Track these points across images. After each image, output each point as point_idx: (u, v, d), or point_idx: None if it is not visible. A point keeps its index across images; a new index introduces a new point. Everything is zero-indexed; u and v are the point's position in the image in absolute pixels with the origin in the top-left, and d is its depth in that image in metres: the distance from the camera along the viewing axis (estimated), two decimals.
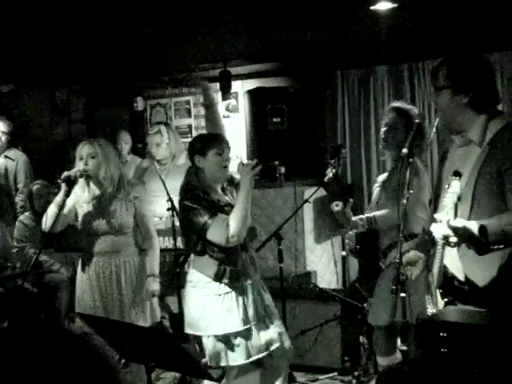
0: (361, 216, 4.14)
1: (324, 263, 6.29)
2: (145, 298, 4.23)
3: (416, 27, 5.38)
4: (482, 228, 2.68)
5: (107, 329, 3.04)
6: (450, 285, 2.89)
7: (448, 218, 2.76)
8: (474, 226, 2.72)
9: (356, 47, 5.95)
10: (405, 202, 3.36)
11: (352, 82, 6.41)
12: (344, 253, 6.01)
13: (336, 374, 4.98)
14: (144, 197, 4.41)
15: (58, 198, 4.03)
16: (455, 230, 2.73)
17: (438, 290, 2.94)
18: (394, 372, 2.77)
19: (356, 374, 4.85)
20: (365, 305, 4.87)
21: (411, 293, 3.68)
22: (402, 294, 3.31)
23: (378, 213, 4.17)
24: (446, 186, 2.81)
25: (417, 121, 3.68)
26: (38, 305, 5.29)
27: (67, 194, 4.01)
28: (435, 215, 2.88)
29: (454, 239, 2.79)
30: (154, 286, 4.27)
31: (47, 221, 4.03)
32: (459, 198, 2.77)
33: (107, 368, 1.12)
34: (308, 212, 6.12)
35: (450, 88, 2.86)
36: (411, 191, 3.44)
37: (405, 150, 3.46)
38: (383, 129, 4.20)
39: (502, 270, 2.75)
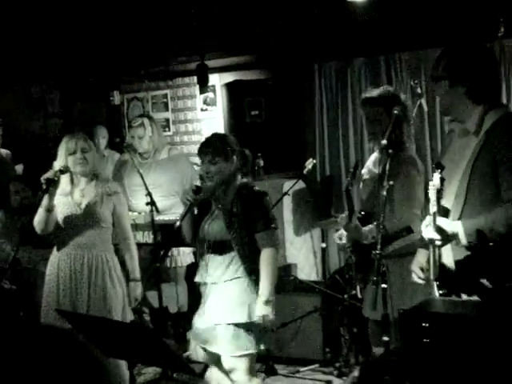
0: (370, 226, 3.82)
1: (304, 255, 6.28)
2: (115, 299, 4.15)
3: (393, 19, 5.37)
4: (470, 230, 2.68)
5: (87, 325, 3.01)
6: (445, 276, 2.89)
7: (430, 219, 2.75)
8: (457, 228, 2.73)
9: (333, 39, 5.93)
10: (384, 193, 3.37)
11: (329, 75, 6.37)
12: (324, 245, 6.06)
13: (317, 365, 4.99)
14: (122, 194, 4.35)
15: (44, 202, 4.03)
16: (440, 230, 2.74)
17: (435, 283, 2.94)
18: (376, 362, 2.82)
19: (337, 365, 4.86)
20: (345, 296, 4.87)
21: (394, 285, 3.65)
22: (384, 286, 3.35)
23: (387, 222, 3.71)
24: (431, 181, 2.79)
25: (395, 112, 3.59)
26: (17, 302, 5.24)
27: (52, 195, 4.01)
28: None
29: (438, 242, 2.79)
30: (137, 290, 4.25)
31: (39, 225, 4.09)
32: (441, 191, 2.74)
33: (92, 362, 1.11)
34: (287, 204, 6.10)
35: (447, 79, 2.86)
36: (391, 182, 3.44)
37: (384, 142, 3.48)
38: (365, 122, 4.01)
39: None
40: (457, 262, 2.83)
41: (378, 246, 3.32)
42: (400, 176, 3.68)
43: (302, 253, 6.27)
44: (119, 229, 4.24)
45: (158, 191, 5.01)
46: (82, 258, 4.11)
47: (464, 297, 2.81)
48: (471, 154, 2.82)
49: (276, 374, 4.90)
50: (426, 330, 2.37)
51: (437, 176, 2.73)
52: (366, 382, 2.74)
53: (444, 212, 2.87)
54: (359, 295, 4.10)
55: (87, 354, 1.11)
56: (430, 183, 2.77)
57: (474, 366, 2.29)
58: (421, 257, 3.18)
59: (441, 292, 2.88)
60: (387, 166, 3.42)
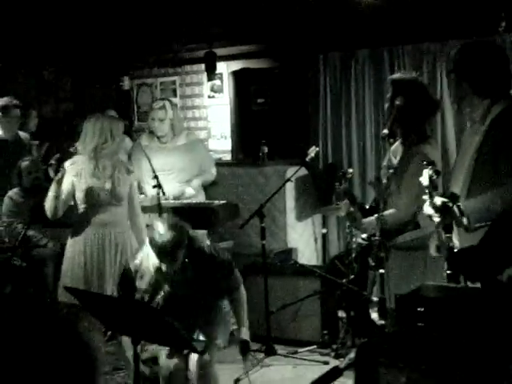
0: (370, 218, 3.89)
1: (304, 240, 6.33)
2: None
3: (396, 12, 5.46)
4: (460, 206, 2.79)
5: (95, 302, 3.08)
6: (453, 259, 2.93)
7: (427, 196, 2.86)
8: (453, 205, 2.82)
9: (338, 31, 6.01)
10: (384, 181, 3.48)
11: (333, 65, 6.41)
12: (324, 230, 6.11)
13: (315, 346, 5.07)
14: (135, 174, 4.51)
15: (53, 186, 4.14)
16: (436, 207, 2.84)
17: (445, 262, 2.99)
18: (372, 345, 2.82)
19: (334, 346, 4.96)
20: (344, 280, 4.95)
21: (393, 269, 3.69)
22: (381, 271, 3.41)
23: (386, 212, 3.82)
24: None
25: (397, 102, 3.61)
26: (27, 278, 5.36)
27: (59, 181, 4.11)
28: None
29: (436, 218, 2.87)
30: None
31: (50, 210, 4.20)
32: (435, 188, 2.86)
33: (90, 348, 1.18)
34: (290, 190, 6.14)
35: (456, 74, 3.04)
36: (391, 171, 3.52)
37: (385, 131, 3.46)
38: (386, 104, 3.95)
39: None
40: (461, 250, 2.89)
41: (378, 233, 3.38)
42: (410, 167, 3.69)
43: (303, 238, 6.32)
44: (131, 206, 4.38)
45: (175, 176, 5.06)
46: (109, 235, 4.26)
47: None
48: (477, 141, 2.96)
49: (275, 354, 4.98)
50: (420, 314, 2.43)
51: (426, 173, 2.85)
52: (362, 363, 2.84)
53: (454, 197, 2.93)
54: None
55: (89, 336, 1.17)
56: (421, 179, 2.88)
57: (466, 349, 2.35)
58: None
59: (448, 272, 2.92)
60: (388, 155, 3.48)
